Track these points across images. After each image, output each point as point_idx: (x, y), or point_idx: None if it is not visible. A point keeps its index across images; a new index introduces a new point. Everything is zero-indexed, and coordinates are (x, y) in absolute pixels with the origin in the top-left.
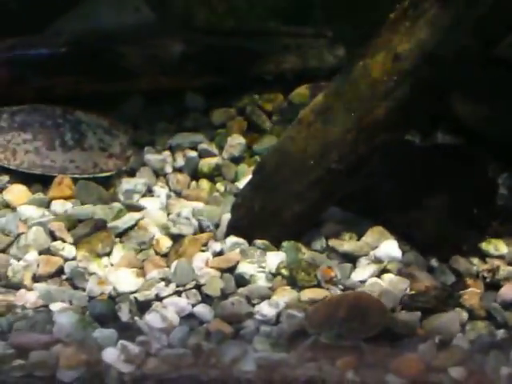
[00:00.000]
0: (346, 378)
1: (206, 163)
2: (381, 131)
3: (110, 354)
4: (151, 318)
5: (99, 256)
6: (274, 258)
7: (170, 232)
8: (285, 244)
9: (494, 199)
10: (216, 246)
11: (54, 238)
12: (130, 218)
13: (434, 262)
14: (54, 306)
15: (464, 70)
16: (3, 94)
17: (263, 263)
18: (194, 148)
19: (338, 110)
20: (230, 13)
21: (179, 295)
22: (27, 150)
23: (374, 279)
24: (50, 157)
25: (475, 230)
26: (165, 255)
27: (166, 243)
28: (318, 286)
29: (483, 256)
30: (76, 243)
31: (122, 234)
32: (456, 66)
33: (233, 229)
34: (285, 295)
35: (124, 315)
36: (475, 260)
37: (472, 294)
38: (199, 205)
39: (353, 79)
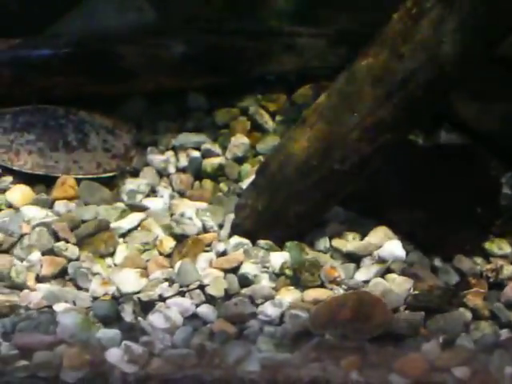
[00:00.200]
0: (349, 379)
1: (210, 163)
2: (384, 131)
3: (114, 355)
4: (155, 319)
5: (103, 256)
6: (278, 258)
7: (173, 232)
8: (288, 244)
9: (497, 198)
10: (219, 247)
11: (57, 238)
12: (133, 219)
13: (437, 262)
14: (58, 307)
15: (467, 69)
16: (5, 95)
17: (267, 263)
18: (197, 148)
19: (341, 110)
20: (231, 12)
21: (183, 295)
22: (30, 151)
23: (378, 279)
24: (53, 157)
25: (479, 229)
26: (168, 255)
27: (169, 243)
28: (322, 286)
29: (487, 255)
30: (79, 244)
31: (126, 235)
32: (459, 65)
33: (236, 229)
34: (288, 295)
35: (127, 315)
36: (479, 260)
37: (476, 294)
38: (203, 205)
39: (356, 79)
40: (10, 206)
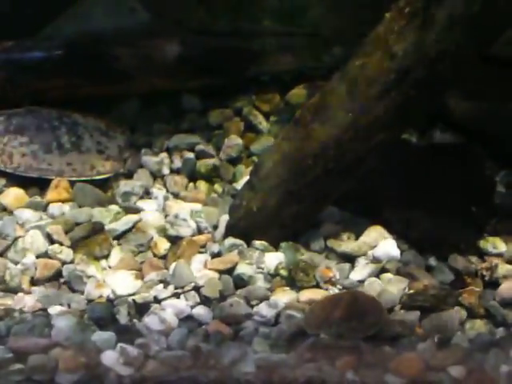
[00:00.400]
0: (345, 378)
1: (204, 164)
2: (378, 131)
3: (109, 357)
4: (150, 321)
5: (97, 259)
6: (273, 259)
7: (168, 234)
8: (283, 245)
9: (491, 197)
10: (214, 248)
11: (51, 241)
12: (127, 221)
13: (432, 261)
14: (53, 310)
15: (460, 69)
16: None
17: (262, 264)
18: (191, 149)
19: (335, 109)
20: (225, 13)
21: (178, 297)
22: (24, 153)
23: (373, 279)
24: (46, 160)
25: (473, 228)
26: (163, 257)
27: (164, 245)
28: (317, 286)
29: (481, 254)
30: (74, 246)
31: (120, 237)
32: (452, 65)
33: (231, 230)
34: (284, 296)
35: (123, 318)
36: (474, 258)
37: (471, 293)
38: (197, 206)
39: (349, 79)
40: (3, 208)
